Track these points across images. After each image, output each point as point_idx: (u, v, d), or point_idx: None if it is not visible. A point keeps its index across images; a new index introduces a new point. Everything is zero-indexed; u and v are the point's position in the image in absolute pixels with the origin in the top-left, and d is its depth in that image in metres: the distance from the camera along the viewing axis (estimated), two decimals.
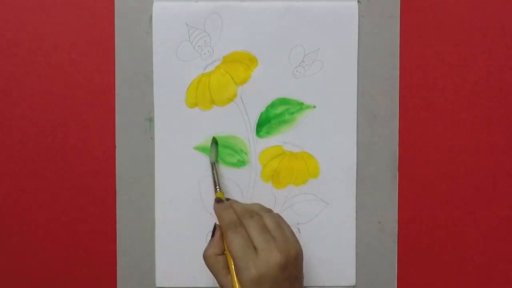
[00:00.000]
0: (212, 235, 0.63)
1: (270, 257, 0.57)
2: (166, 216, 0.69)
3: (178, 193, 0.69)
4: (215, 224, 0.63)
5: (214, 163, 0.67)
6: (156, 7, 0.68)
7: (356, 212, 0.69)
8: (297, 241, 0.60)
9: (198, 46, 0.68)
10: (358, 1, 0.68)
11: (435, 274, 0.70)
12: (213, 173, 0.67)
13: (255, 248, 0.58)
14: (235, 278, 0.58)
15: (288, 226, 0.62)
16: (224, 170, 0.69)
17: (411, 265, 0.70)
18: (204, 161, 0.69)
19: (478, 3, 0.69)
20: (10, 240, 0.69)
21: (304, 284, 0.69)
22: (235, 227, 0.59)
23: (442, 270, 0.70)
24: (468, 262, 0.70)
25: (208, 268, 0.61)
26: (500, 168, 0.69)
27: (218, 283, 0.61)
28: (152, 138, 0.68)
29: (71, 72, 0.68)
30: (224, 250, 0.61)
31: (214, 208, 0.63)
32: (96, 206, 0.69)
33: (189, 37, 0.68)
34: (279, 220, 0.61)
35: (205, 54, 0.68)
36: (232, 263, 0.58)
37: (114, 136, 0.68)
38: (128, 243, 0.69)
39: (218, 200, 0.63)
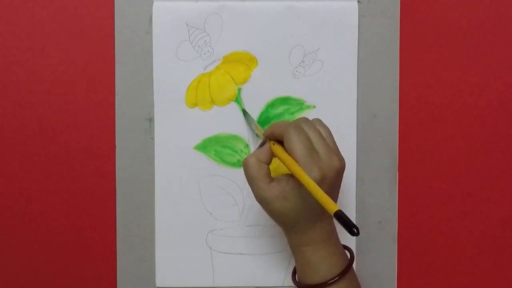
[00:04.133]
0: (260, 146, 0.61)
1: (331, 161, 0.57)
2: (166, 216, 0.69)
3: (178, 193, 0.69)
4: (264, 138, 0.61)
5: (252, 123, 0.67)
6: (156, 7, 0.68)
7: (356, 212, 0.69)
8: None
9: (198, 46, 0.68)
10: (358, 1, 0.68)
11: (435, 274, 0.70)
12: (252, 124, 0.66)
13: (315, 150, 0.57)
14: (302, 177, 0.55)
15: None
16: (224, 170, 0.69)
17: (411, 265, 0.70)
18: (204, 161, 0.69)
19: (478, 3, 0.69)
20: (10, 240, 0.69)
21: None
22: (297, 128, 0.57)
23: (442, 270, 0.70)
24: (468, 262, 0.70)
25: (248, 175, 0.58)
26: (500, 168, 0.69)
27: (255, 191, 0.58)
28: (152, 138, 0.68)
29: (71, 72, 0.68)
30: (270, 162, 0.59)
31: (268, 128, 0.61)
32: (96, 206, 0.69)
33: (189, 37, 0.68)
34: (330, 131, 0.60)
35: (205, 54, 0.68)
36: (292, 164, 0.56)
37: (114, 136, 0.68)
38: (128, 243, 0.69)
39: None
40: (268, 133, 0.60)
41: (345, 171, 0.69)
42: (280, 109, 0.69)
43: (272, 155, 0.59)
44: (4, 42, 0.68)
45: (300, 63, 0.68)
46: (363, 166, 0.69)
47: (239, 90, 0.68)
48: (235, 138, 0.69)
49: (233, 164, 0.69)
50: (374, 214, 0.69)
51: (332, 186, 0.57)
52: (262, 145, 0.61)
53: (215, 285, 0.69)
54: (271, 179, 0.58)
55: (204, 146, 0.69)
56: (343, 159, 0.59)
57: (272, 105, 0.68)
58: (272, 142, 0.59)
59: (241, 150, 0.69)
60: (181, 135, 0.68)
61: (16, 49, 0.68)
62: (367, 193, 0.69)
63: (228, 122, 0.68)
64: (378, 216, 0.69)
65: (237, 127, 0.69)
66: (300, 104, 0.68)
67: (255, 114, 0.68)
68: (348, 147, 0.68)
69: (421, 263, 0.70)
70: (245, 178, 0.59)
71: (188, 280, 0.69)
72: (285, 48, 0.68)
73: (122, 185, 0.69)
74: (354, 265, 0.67)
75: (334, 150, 0.59)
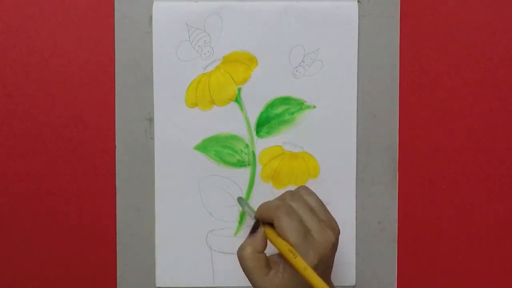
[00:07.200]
0: (252, 232, 0.59)
1: (326, 236, 0.56)
2: (166, 216, 0.69)
3: (178, 193, 0.69)
4: (256, 220, 0.60)
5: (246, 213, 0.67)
6: (156, 7, 0.68)
7: (356, 212, 0.69)
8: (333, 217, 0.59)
9: (198, 46, 0.68)
10: (358, 1, 0.68)
11: (435, 274, 0.70)
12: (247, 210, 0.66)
13: (308, 229, 0.56)
14: (299, 268, 0.54)
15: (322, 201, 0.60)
16: (224, 170, 0.69)
17: (411, 265, 0.70)
18: (204, 161, 0.69)
19: (478, 3, 0.69)
20: (10, 240, 0.69)
21: None
22: (287, 212, 0.56)
23: (442, 270, 0.70)
24: (468, 262, 0.70)
25: (244, 268, 0.57)
26: (500, 168, 0.69)
27: (254, 283, 0.56)
28: (152, 138, 0.69)
29: (71, 72, 0.68)
30: (265, 248, 0.58)
31: (257, 211, 0.60)
32: (96, 206, 0.69)
33: (189, 37, 0.68)
34: (318, 197, 0.60)
35: (205, 54, 0.68)
36: (287, 250, 0.54)
37: (114, 136, 0.69)
38: (128, 243, 0.69)
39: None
40: (258, 216, 0.60)
41: (345, 171, 0.69)
42: (280, 109, 0.69)
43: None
44: (3, 42, 0.68)
45: (300, 63, 0.68)
46: (363, 166, 0.69)
47: (239, 90, 0.68)
48: (235, 138, 0.69)
49: (233, 164, 0.69)
50: (374, 214, 0.69)
51: (329, 260, 0.57)
52: (254, 228, 0.60)
53: (215, 285, 0.69)
54: (269, 269, 0.57)
55: (204, 146, 0.69)
56: (337, 226, 0.58)
57: (272, 105, 0.68)
58: (265, 226, 0.58)
59: (241, 150, 0.69)
60: (181, 135, 0.68)
61: (16, 49, 0.68)
62: (367, 193, 0.69)
63: (228, 122, 0.68)
64: (378, 216, 0.69)
65: (237, 127, 0.69)
66: (300, 104, 0.68)
67: (255, 114, 0.68)
68: (348, 147, 0.69)
69: (421, 263, 0.70)
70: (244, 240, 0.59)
71: (188, 280, 0.69)
72: (285, 48, 0.68)
73: (122, 185, 0.69)
74: (354, 265, 0.68)
75: (326, 220, 0.58)
